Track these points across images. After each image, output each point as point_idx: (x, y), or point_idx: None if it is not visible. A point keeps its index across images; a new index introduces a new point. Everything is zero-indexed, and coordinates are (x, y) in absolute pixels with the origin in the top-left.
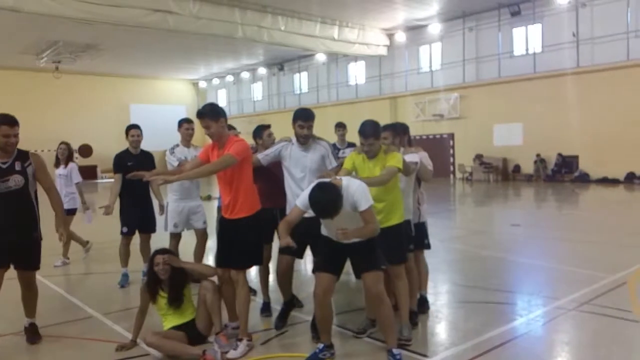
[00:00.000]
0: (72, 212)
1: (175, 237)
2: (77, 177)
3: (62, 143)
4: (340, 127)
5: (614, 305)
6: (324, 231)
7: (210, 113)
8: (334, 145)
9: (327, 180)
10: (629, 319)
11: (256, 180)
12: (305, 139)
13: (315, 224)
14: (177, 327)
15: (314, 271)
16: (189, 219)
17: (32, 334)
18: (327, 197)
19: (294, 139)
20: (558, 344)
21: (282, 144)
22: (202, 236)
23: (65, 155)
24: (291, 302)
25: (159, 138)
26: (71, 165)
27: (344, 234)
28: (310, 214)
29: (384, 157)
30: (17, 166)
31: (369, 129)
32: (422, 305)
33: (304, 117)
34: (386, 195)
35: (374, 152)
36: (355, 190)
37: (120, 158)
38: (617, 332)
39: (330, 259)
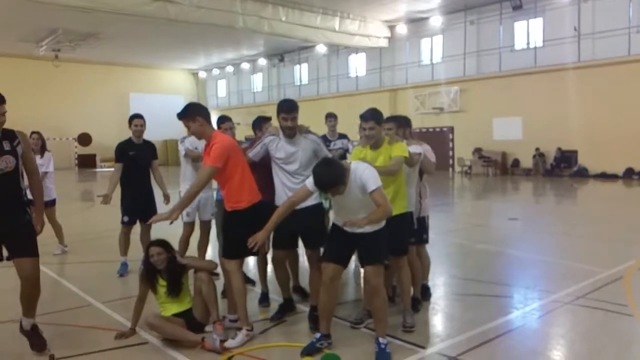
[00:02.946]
0: (52, 203)
1: (188, 228)
2: (49, 167)
3: (33, 132)
4: (331, 117)
5: (610, 299)
6: (335, 220)
7: (187, 114)
8: (324, 137)
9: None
10: (624, 313)
11: (254, 173)
12: (291, 131)
13: (306, 215)
14: (175, 316)
15: (321, 260)
16: (199, 209)
17: (37, 339)
18: (328, 169)
19: (281, 133)
20: (553, 336)
21: (268, 139)
22: (205, 227)
23: (39, 145)
24: (289, 303)
25: (159, 128)
26: (48, 155)
27: (352, 224)
28: (302, 205)
29: (389, 147)
30: (6, 146)
31: (369, 113)
32: (424, 294)
33: (286, 109)
34: (390, 185)
35: (376, 139)
36: (363, 172)
37: (122, 147)
38: (612, 326)
39: (338, 248)
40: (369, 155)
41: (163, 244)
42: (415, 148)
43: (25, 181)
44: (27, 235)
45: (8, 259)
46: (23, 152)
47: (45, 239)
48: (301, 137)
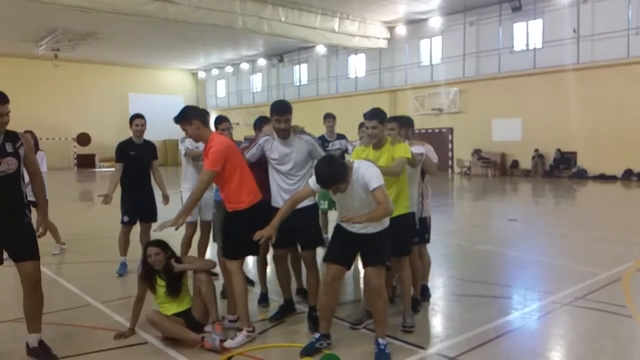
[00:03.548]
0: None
1: (190, 228)
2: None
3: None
4: (330, 118)
5: (609, 300)
6: (339, 219)
7: (183, 117)
8: (322, 138)
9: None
10: (622, 314)
11: (254, 173)
12: (285, 133)
13: (301, 216)
14: (175, 316)
15: (324, 260)
16: (200, 210)
17: (47, 356)
18: (329, 166)
19: (275, 134)
20: (552, 337)
21: (263, 139)
22: (205, 227)
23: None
24: (290, 304)
25: (158, 128)
26: (40, 154)
27: (348, 220)
28: (301, 204)
29: (391, 147)
30: (9, 147)
31: (373, 111)
32: (424, 295)
33: (278, 111)
34: (392, 185)
35: (378, 139)
36: (366, 171)
37: (123, 147)
38: (611, 327)
39: (341, 249)
40: (371, 155)
41: (161, 244)
42: (417, 148)
43: (26, 181)
44: (28, 238)
45: (15, 261)
46: (25, 154)
47: (43, 239)
48: (295, 138)
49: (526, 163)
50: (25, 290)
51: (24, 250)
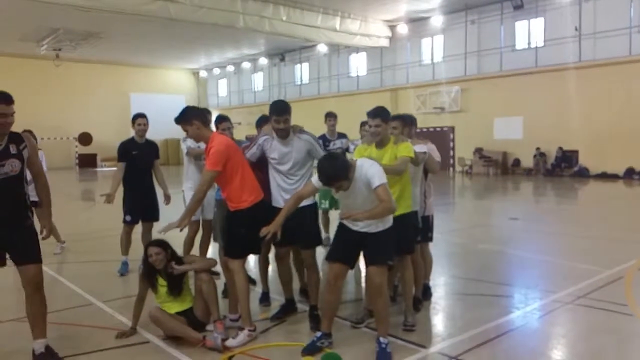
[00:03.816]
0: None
1: (194, 226)
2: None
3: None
4: (331, 117)
5: (610, 299)
6: (341, 217)
7: (184, 118)
8: (323, 137)
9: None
10: (624, 312)
11: (255, 172)
12: (283, 133)
13: (301, 215)
14: (176, 314)
15: (326, 259)
16: (202, 208)
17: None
18: (331, 163)
19: (274, 133)
20: (554, 336)
21: (263, 139)
22: (207, 225)
23: None
24: (291, 303)
25: (159, 127)
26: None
27: (348, 217)
28: (303, 203)
29: (394, 147)
30: (13, 149)
31: (376, 110)
32: (425, 293)
33: (277, 111)
34: (395, 184)
35: (381, 137)
36: (369, 168)
37: (125, 146)
38: (612, 326)
39: (344, 248)
40: (374, 154)
41: (162, 244)
42: (420, 147)
43: (28, 182)
44: (30, 240)
45: (17, 264)
46: (29, 156)
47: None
48: (295, 137)
49: (528, 162)
50: (27, 293)
51: (26, 253)
